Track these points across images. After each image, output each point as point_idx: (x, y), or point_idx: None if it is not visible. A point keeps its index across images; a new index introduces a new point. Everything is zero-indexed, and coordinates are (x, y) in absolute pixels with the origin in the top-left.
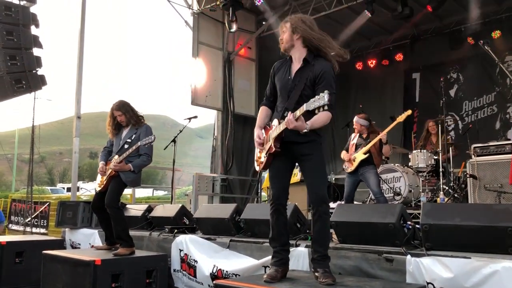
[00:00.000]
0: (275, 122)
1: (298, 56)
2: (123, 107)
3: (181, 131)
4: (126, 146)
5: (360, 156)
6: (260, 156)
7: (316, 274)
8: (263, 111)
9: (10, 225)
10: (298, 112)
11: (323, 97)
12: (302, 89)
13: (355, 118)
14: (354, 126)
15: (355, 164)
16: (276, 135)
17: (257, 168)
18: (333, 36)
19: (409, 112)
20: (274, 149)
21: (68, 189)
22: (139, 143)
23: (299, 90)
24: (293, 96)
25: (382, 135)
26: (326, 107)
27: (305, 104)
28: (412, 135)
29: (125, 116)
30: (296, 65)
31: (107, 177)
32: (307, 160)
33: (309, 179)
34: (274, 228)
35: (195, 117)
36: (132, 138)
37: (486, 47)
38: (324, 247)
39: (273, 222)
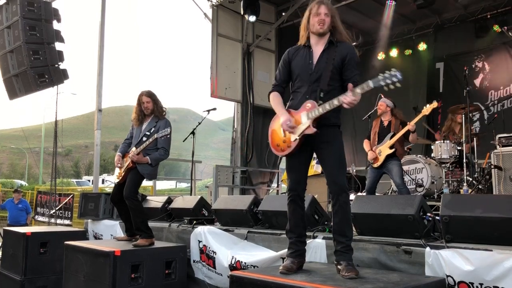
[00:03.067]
0: (309, 103)
1: (323, 41)
2: (152, 95)
3: (199, 123)
4: (144, 138)
5: (386, 151)
6: (287, 139)
7: (339, 267)
8: (277, 96)
9: (36, 216)
10: (359, 90)
11: (395, 75)
12: (331, 69)
13: (382, 99)
14: (378, 107)
15: (381, 159)
16: (317, 115)
17: (282, 153)
18: (355, 26)
19: (434, 104)
20: (314, 130)
21: (93, 182)
22: (155, 135)
23: (328, 71)
24: (324, 77)
25: (411, 127)
26: (398, 84)
27: (370, 81)
28: (436, 126)
29: (153, 104)
30: (318, 48)
31: (125, 169)
32: (326, 148)
33: (328, 167)
34: (291, 219)
35: (214, 109)
36: (151, 131)
37: (510, 34)
38: (346, 238)
39: (290, 213)
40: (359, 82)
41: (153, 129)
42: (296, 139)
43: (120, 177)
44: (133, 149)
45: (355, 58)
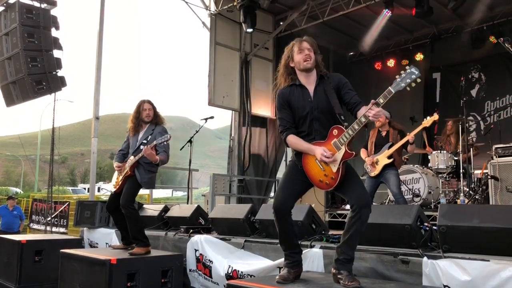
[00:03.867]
0: (336, 129)
1: (312, 77)
2: (153, 104)
3: (197, 132)
4: (142, 147)
5: (384, 160)
6: (328, 171)
7: (340, 276)
8: (296, 137)
9: (31, 224)
10: (382, 99)
11: (412, 72)
12: (336, 98)
13: None
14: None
15: (379, 168)
16: (349, 138)
17: (330, 188)
18: (353, 36)
19: (435, 117)
20: (353, 153)
21: (89, 190)
22: (154, 142)
23: (335, 98)
24: (335, 104)
25: (411, 138)
26: (418, 80)
27: (390, 87)
28: (433, 137)
29: (153, 112)
30: (311, 86)
31: (122, 178)
32: (346, 167)
33: (354, 183)
34: (280, 233)
35: (212, 117)
36: (148, 139)
37: (506, 45)
38: (353, 251)
39: (279, 228)
40: (361, 101)
41: (150, 136)
42: (338, 168)
43: (117, 186)
44: (131, 157)
45: (347, 81)
